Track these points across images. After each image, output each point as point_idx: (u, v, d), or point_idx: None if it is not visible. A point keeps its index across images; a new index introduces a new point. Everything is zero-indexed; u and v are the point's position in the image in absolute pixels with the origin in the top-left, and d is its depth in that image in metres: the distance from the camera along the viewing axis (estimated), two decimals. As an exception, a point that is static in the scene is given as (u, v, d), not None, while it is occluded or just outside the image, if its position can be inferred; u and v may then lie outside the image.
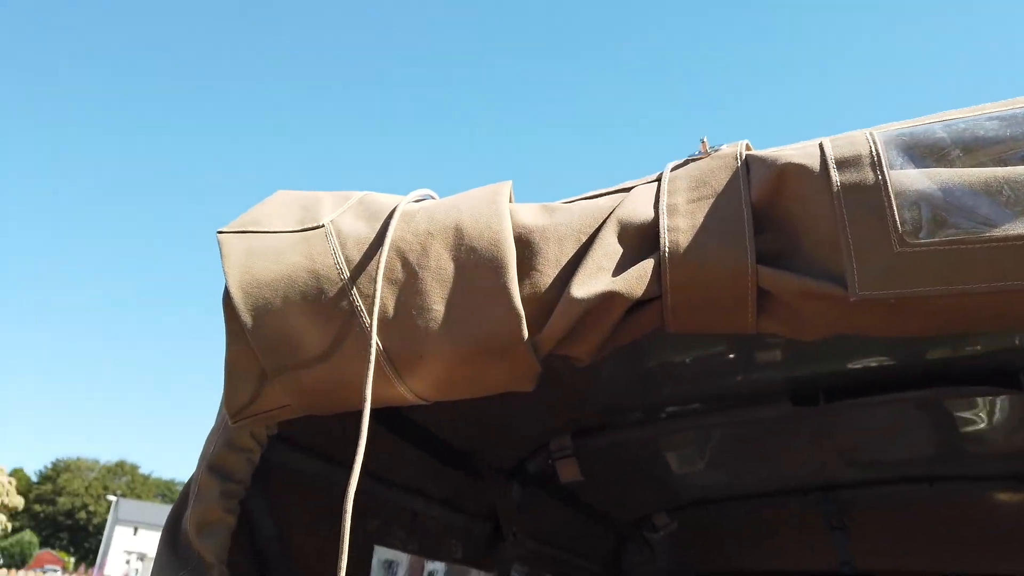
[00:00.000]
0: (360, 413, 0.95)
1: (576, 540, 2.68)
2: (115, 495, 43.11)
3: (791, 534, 3.40)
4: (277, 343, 0.96)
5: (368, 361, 0.94)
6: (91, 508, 50.41)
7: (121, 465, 57.10)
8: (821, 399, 1.93)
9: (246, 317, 0.95)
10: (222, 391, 0.99)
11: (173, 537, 1.10)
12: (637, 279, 0.92)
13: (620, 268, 0.93)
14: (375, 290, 0.95)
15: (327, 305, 0.95)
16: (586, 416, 2.09)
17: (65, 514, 50.71)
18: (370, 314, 0.95)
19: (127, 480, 55.55)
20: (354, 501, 1.62)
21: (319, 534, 1.43)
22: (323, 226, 1.01)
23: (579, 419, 2.11)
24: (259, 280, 0.97)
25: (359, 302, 0.95)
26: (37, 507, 49.22)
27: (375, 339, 0.94)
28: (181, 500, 1.14)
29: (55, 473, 53.41)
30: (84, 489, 51.98)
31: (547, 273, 0.95)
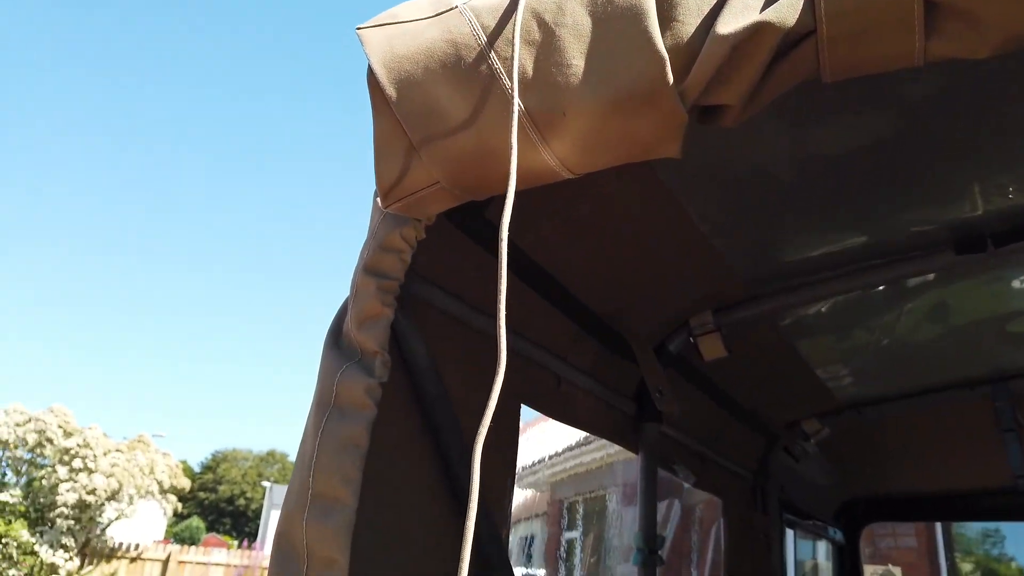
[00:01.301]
0: (504, 196, 0.94)
1: (722, 439, 2.60)
2: (268, 482, 45.92)
3: (954, 441, 3.18)
4: (421, 113, 0.97)
5: (511, 123, 0.93)
6: (248, 495, 54.02)
7: (272, 454, 60.78)
8: (989, 244, 1.78)
9: (390, 91, 0.97)
10: (374, 173, 1.01)
11: (336, 339, 1.13)
12: (788, 7, 0.87)
13: (768, 1, 0.88)
14: (513, 52, 0.94)
15: (467, 72, 0.95)
16: (728, 288, 2.02)
17: (226, 501, 54.57)
18: (510, 76, 0.94)
19: (278, 467, 59.07)
20: (495, 356, 1.63)
21: (464, 371, 1.45)
22: (456, 7, 1.01)
23: (721, 292, 2.04)
24: (399, 55, 0.98)
25: (498, 65, 0.95)
26: (201, 495, 53.21)
27: (516, 100, 0.93)
28: (341, 311, 1.19)
29: (215, 464, 57.51)
30: (241, 477, 55.73)
31: (690, 15, 0.91)
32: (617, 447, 2.12)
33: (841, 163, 1.58)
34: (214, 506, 54.56)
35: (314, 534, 0.95)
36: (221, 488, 55.06)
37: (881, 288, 2.13)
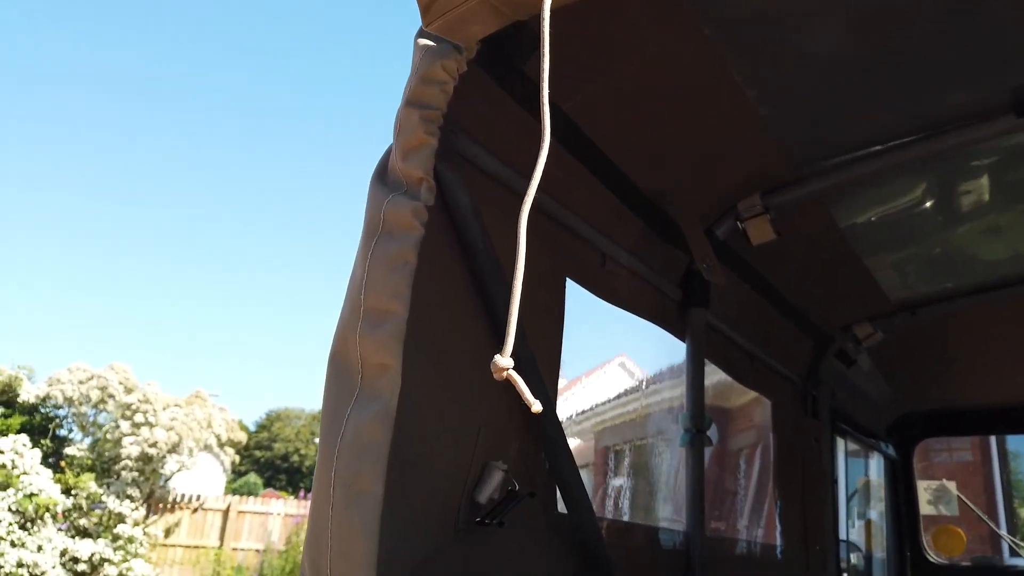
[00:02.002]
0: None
1: (771, 340, 2.58)
2: (321, 439, 47.09)
3: (1014, 347, 3.10)
4: None
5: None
6: (302, 451, 55.52)
7: (324, 413, 62.28)
8: None
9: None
10: None
11: (381, 176, 1.14)
12: None
13: None
14: None
15: None
16: (776, 168, 1.98)
17: (281, 458, 56.20)
18: None
19: (330, 426, 60.44)
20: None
21: (507, 235, 1.44)
22: None
23: (769, 172, 2.00)
24: None
25: None
26: (257, 453, 54.86)
27: None
28: (385, 154, 1.19)
29: (269, 422, 59.12)
30: (295, 435, 57.27)
31: None
32: (661, 396, 2.12)
33: (899, 22, 1.53)
34: (270, 463, 56.23)
35: (367, 345, 0.97)
36: (276, 446, 56.67)
37: (937, 169, 2.06)
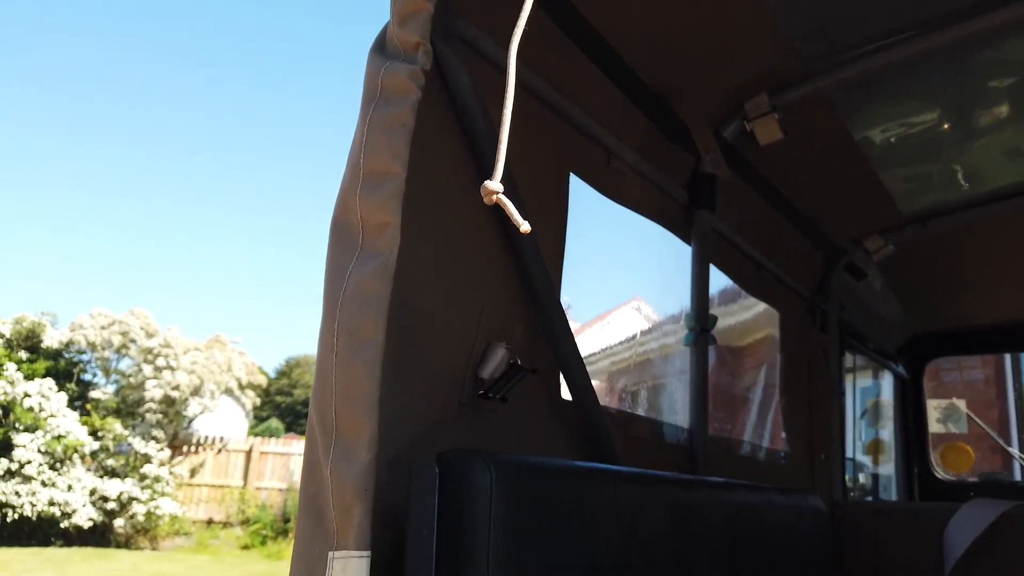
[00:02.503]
0: None
1: (780, 250, 2.57)
2: (340, 385, 47.89)
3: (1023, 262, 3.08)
4: None
5: None
6: (322, 398, 56.72)
7: (342, 360, 63.04)
8: None
9: None
10: None
11: (380, 48, 1.14)
12: None
13: None
14: None
15: None
16: (784, 65, 1.95)
17: (302, 404, 57.33)
18: None
19: (349, 373, 61.35)
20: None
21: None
22: None
23: (776, 70, 1.97)
24: None
25: None
26: (278, 399, 55.95)
27: None
28: (381, 31, 1.19)
29: (289, 369, 60.14)
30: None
31: None
32: (676, 338, 2.13)
33: None
34: (291, 409, 57.34)
35: (367, 206, 0.99)
36: (296, 392, 57.71)
37: (952, 77, 2.03)
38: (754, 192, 2.33)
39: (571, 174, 1.68)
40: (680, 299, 2.14)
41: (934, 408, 3.79)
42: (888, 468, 3.84)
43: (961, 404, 3.81)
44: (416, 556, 0.98)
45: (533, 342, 1.47)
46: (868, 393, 3.92)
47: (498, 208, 1.40)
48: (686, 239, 2.07)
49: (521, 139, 1.49)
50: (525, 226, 0.87)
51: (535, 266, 1.42)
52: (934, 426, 3.79)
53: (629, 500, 1.30)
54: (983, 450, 3.96)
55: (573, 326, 1.58)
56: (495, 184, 0.86)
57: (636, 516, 1.31)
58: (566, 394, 1.57)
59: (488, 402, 1.34)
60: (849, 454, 3.63)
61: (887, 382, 3.84)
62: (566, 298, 1.59)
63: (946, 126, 2.36)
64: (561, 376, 1.54)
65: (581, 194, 1.76)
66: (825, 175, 2.46)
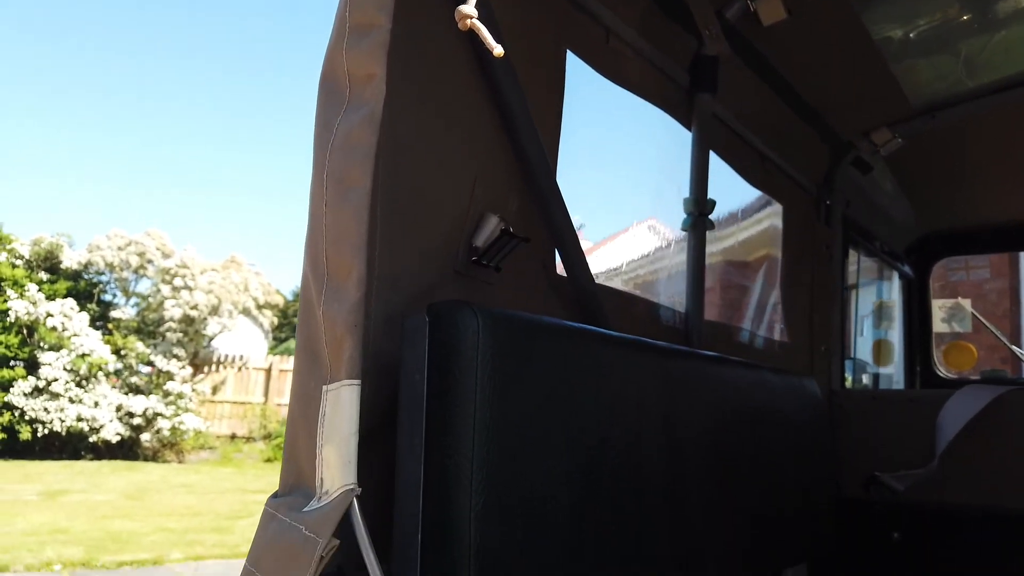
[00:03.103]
0: None
1: (785, 141, 2.55)
2: (357, 307, 48.51)
3: None
4: None
5: None
6: (339, 320, 57.68)
7: (358, 283, 63.66)
8: None
9: None
10: None
11: None
12: None
13: None
14: None
15: None
16: None
17: (319, 326, 58.42)
18: None
19: (365, 295, 62.05)
20: None
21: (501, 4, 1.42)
22: None
23: None
24: None
25: None
26: (295, 320, 56.97)
27: None
28: None
29: (305, 292, 61.04)
30: (331, 304, 59.21)
31: None
32: (683, 258, 2.11)
33: None
34: (309, 331, 58.39)
35: (353, 58, 1.00)
36: (313, 315, 58.69)
37: None
38: (758, 79, 2.30)
39: (568, 51, 1.66)
40: (681, 189, 2.15)
41: (939, 308, 3.81)
42: (890, 369, 3.89)
43: (966, 304, 3.83)
44: (408, 399, 1.03)
45: (527, 216, 1.49)
46: (872, 293, 3.94)
47: (488, 76, 1.40)
48: (687, 124, 2.06)
49: (517, 13, 1.48)
50: (498, 49, 0.87)
51: (529, 140, 1.42)
52: (938, 326, 3.82)
53: (618, 364, 1.35)
54: (987, 349, 4.00)
55: (585, 246, 1.60)
56: (469, 8, 0.86)
57: (624, 380, 1.35)
58: (561, 269, 1.60)
59: (482, 271, 1.37)
60: (852, 354, 3.68)
61: (893, 282, 3.86)
62: (576, 217, 1.60)
63: (965, 17, 2.30)
64: (556, 252, 1.57)
65: (580, 77, 1.75)
66: (832, 63, 2.41)
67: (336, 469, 0.89)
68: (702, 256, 2.02)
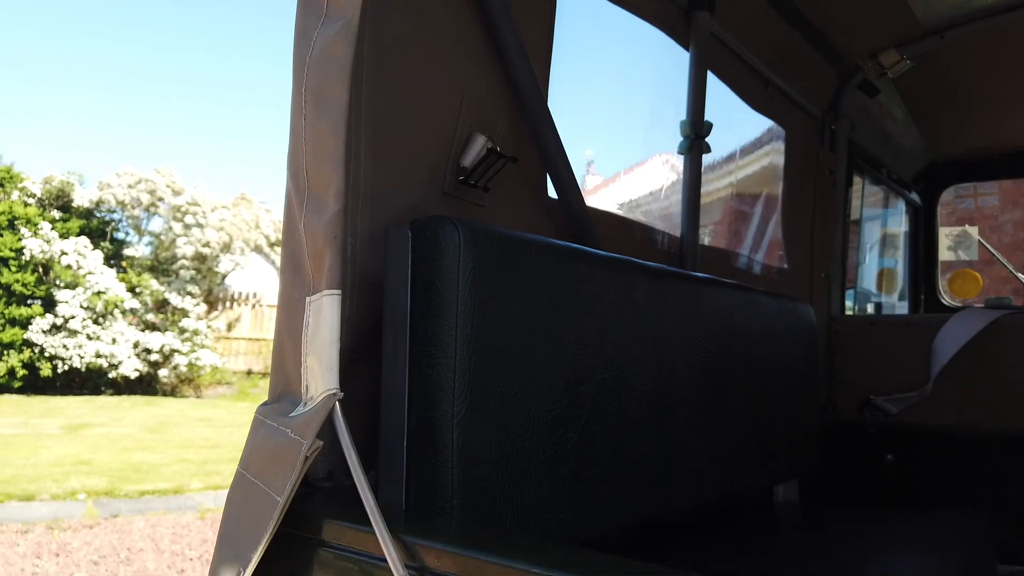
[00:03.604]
0: None
1: (790, 65, 2.51)
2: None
3: None
4: None
5: None
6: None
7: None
8: None
9: None
10: None
11: None
12: None
13: None
14: None
15: None
16: None
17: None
18: None
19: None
20: None
21: None
22: None
23: None
24: None
25: None
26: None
27: None
28: None
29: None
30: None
31: None
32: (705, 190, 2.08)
33: None
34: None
35: None
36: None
37: None
38: (770, 8, 2.25)
39: None
40: (679, 113, 2.12)
41: (945, 236, 3.79)
42: (893, 298, 3.89)
43: (973, 231, 3.80)
44: (392, 311, 1.05)
45: (518, 137, 1.49)
46: (877, 222, 3.92)
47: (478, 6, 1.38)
48: (684, 44, 2.02)
49: None
50: None
51: (518, 59, 1.41)
52: (944, 254, 3.81)
53: (607, 282, 1.36)
54: (992, 278, 3.99)
55: (595, 181, 1.58)
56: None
57: (613, 299, 1.36)
58: (552, 193, 1.60)
59: (471, 192, 1.38)
60: (855, 284, 3.68)
61: (899, 210, 3.83)
62: (588, 152, 1.59)
63: None
64: (547, 175, 1.57)
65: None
66: None
67: (319, 375, 0.92)
68: (698, 179, 2.01)
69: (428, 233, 1.04)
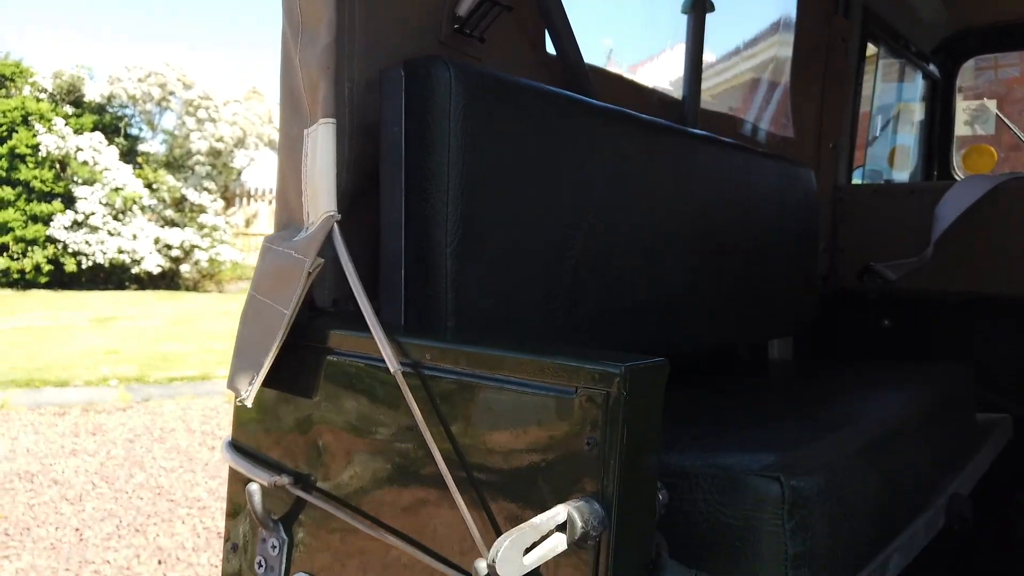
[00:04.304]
0: None
1: None
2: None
3: None
4: None
5: None
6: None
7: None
8: None
9: None
10: None
11: None
12: None
13: None
14: None
15: None
16: None
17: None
18: None
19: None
20: None
21: None
22: None
23: None
24: None
25: None
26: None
27: None
28: None
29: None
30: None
31: None
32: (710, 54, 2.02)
33: None
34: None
35: None
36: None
37: None
38: None
39: None
40: None
41: (963, 110, 3.72)
42: (904, 174, 3.86)
43: (991, 105, 3.73)
44: (388, 148, 1.09)
45: None
46: (892, 96, 3.85)
47: None
48: None
49: None
50: None
51: None
52: (961, 128, 3.75)
53: (602, 132, 1.38)
54: (1010, 155, 3.94)
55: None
56: None
57: (608, 148, 1.39)
58: (550, 48, 1.60)
59: (466, 42, 1.39)
60: (864, 161, 3.65)
61: (915, 85, 3.75)
62: (607, 41, 1.57)
63: None
64: (545, 28, 1.57)
65: None
66: None
67: (319, 200, 0.98)
68: (700, 39, 1.99)
69: (421, 72, 1.07)
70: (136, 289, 14.68)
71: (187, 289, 15.24)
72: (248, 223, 17.11)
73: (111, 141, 15.09)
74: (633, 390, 0.73)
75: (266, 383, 1.02)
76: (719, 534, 0.86)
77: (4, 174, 14.19)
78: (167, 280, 15.03)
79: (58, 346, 8.83)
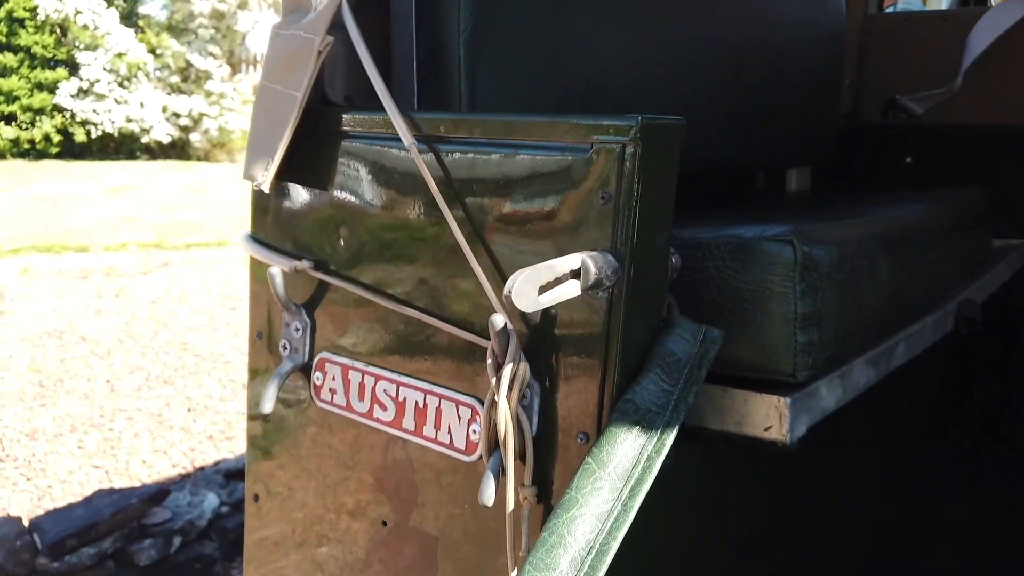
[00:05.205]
0: None
1: None
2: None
3: None
4: None
5: None
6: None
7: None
8: None
9: None
10: None
11: None
12: None
13: None
14: None
15: None
16: None
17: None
18: None
19: None
20: None
21: None
22: None
23: None
24: None
25: None
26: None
27: None
28: None
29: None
30: None
31: None
32: None
33: None
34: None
35: None
36: None
37: None
38: None
39: None
40: None
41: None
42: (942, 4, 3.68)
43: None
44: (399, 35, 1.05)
45: None
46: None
47: None
48: None
49: None
50: None
51: None
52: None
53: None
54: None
55: None
56: None
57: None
58: None
59: None
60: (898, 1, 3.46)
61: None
62: None
63: None
64: None
65: None
66: None
67: None
68: None
69: None
70: (147, 159, 14.60)
71: (198, 159, 15.15)
72: (255, 91, 16.76)
73: (110, 3, 14.60)
74: (647, 144, 0.72)
75: (282, 174, 1.02)
76: (729, 297, 0.87)
77: (4, 39, 13.84)
78: (178, 150, 14.91)
79: (75, 214, 8.90)
